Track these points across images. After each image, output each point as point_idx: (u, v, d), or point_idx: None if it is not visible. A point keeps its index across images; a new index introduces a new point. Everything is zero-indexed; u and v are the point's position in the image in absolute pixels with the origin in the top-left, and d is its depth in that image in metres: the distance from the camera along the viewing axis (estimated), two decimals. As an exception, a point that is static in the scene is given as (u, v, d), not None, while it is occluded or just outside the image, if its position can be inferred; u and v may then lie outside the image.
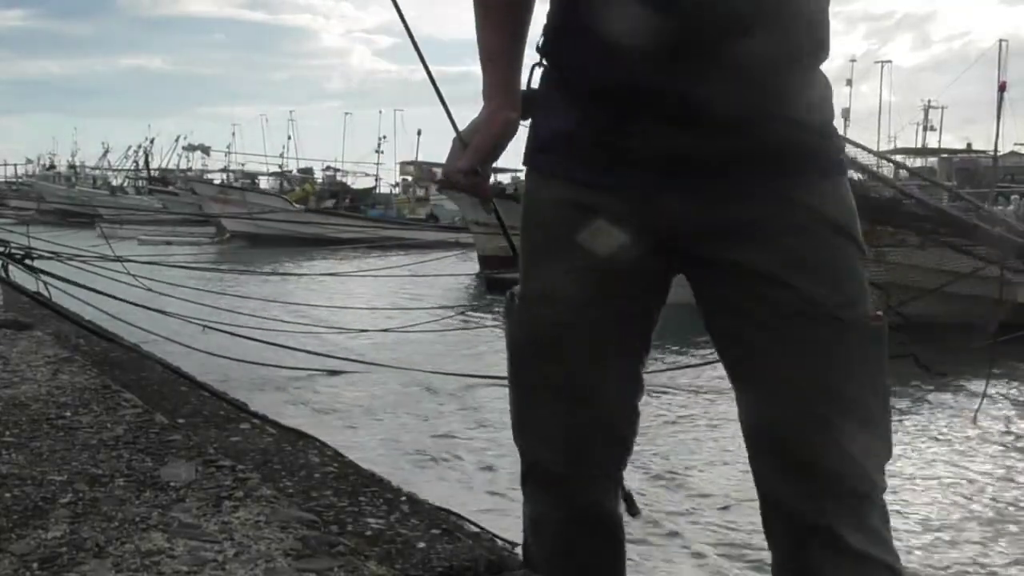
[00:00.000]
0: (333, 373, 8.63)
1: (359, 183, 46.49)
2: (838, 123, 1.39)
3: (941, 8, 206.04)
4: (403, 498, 1.44)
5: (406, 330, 10.24)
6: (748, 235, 1.25)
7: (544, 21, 1.37)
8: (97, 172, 57.11)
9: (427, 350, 9.80)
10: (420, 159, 49.24)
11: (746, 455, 1.33)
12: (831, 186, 1.29)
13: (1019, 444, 6.84)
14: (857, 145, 7.25)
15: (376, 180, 49.13)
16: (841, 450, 1.23)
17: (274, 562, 0.95)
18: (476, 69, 1.41)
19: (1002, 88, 32.68)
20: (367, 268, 15.85)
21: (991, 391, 7.73)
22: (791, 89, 1.26)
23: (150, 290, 8.87)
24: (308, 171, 49.03)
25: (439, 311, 11.93)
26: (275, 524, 1.07)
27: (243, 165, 50.94)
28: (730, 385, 1.34)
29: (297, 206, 31.37)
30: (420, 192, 42.62)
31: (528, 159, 1.40)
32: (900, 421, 7.01)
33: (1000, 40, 42.08)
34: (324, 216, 29.85)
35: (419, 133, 54.18)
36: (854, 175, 6.38)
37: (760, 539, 1.36)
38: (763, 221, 1.25)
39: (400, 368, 8.72)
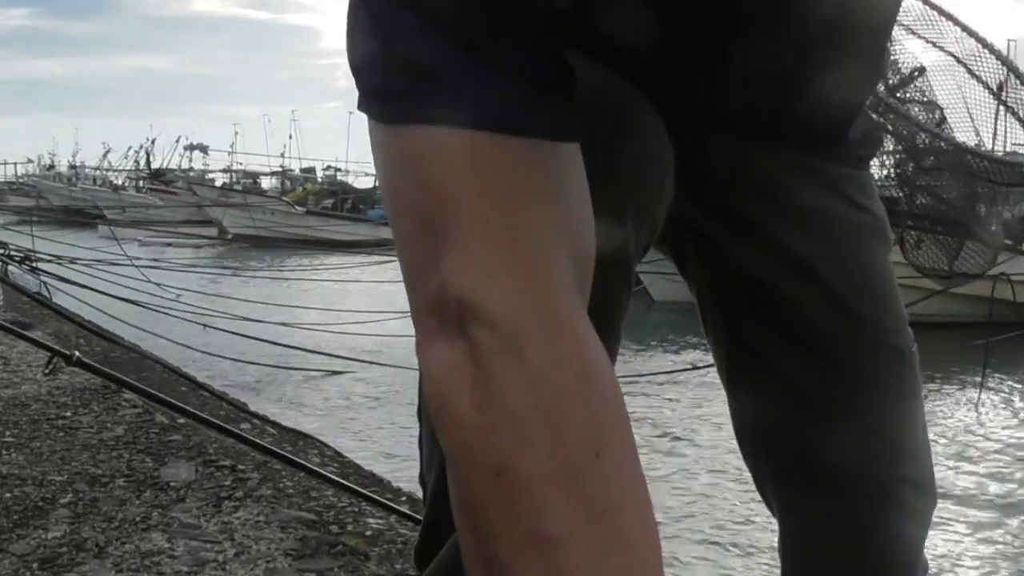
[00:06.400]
0: (335, 373, 8.63)
1: (360, 182, 46.46)
2: None
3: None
4: (403, 498, 1.44)
5: (409, 334, 10.18)
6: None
7: None
8: (98, 172, 57.00)
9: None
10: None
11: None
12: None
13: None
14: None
15: (377, 179, 48.80)
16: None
17: (274, 562, 0.95)
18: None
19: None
20: (367, 267, 15.83)
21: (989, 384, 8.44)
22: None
23: (150, 293, 8.89)
24: (310, 171, 48.95)
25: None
26: (275, 524, 1.07)
27: (243, 165, 50.84)
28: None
29: (298, 208, 31.43)
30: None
31: None
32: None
33: (1009, 40, 42.00)
34: (324, 219, 29.87)
35: (421, 132, 53.93)
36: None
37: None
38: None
39: (402, 367, 8.70)
